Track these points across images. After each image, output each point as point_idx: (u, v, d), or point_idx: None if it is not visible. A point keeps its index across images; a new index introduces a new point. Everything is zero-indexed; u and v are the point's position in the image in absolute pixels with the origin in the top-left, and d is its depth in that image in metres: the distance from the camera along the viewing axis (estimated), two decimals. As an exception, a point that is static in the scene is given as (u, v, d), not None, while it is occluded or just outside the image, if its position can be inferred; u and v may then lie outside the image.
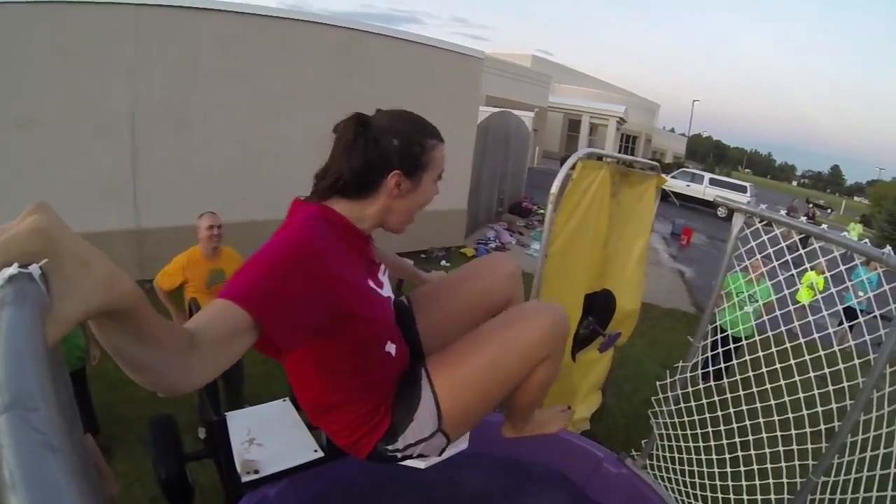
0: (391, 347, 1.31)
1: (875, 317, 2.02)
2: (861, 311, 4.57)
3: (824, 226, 1.98)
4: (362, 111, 1.24)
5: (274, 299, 0.91)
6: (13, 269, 0.48)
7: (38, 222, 0.52)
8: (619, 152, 32.90)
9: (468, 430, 1.46)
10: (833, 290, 2.07)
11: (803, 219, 15.71)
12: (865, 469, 1.84)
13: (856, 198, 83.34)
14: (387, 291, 1.33)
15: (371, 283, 1.23)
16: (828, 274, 2.02)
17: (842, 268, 1.95)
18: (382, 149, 1.16)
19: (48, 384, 0.41)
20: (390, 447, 1.32)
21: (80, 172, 5.49)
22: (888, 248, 1.65)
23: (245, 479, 1.78)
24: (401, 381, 1.35)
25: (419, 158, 1.18)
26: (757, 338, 2.27)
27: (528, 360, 1.33)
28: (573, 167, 2.87)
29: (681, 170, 23.92)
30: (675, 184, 20.47)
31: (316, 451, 2.01)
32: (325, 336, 1.11)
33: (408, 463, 1.44)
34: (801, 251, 2.07)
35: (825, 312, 2.00)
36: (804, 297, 6.88)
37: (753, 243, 2.17)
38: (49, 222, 0.53)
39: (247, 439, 1.98)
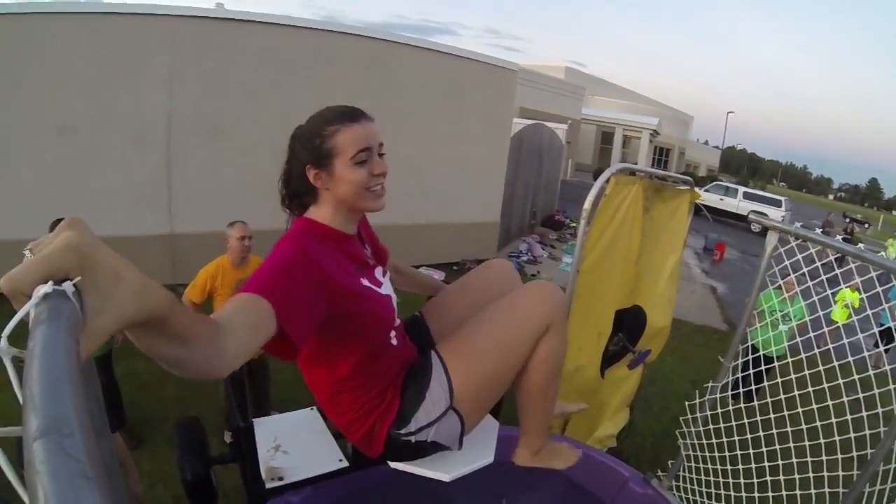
0: (394, 338, 1.41)
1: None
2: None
3: (861, 245, 1.92)
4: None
5: (286, 296, 1.02)
6: (48, 287, 0.49)
7: (71, 238, 0.53)
8: (653, 165, 32.70)
9: (481, 416, 1.50)
10: (869, 311, 2.01)
11: (840, 235, 15.30)
12: (899, 499, 1.78)
13: (894, 212, 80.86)
14: (386, 290, 1.41)
15: (366, 282, 1.32)
16: (864, 294, 1.95)
17: (878, 288, 1.90)
18: (293, 153, 1.29)
19: (84, 409, 0.41)
20: (403, 431, 1.37)
21: (115, 178, 5.65)
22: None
23: (269, 485, 1.79)
24: (410, 365, 1.43)
25: (321, 148, 1.23)
26: (790, 359, 2.21)
27: (528, 328, 1.39)
28: (607, 182, 2.85)
29: (714, 183, 23.56)
30: (708, 197, 20.14)
31: (341, 460, 2.02)
32: (326, 333, 1.21)
33: (431, 474, 1.44)
34: (837, 271, 2.02)
35: (861, 335, 1.95)
36: (839, 316, 6.71)
37: (788, 262, 2.12)
38: (81, 238, 0.54)
39: (273, 446, 1.99)
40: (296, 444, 2.08)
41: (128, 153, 5.71)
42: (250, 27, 6.15)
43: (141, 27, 5.54)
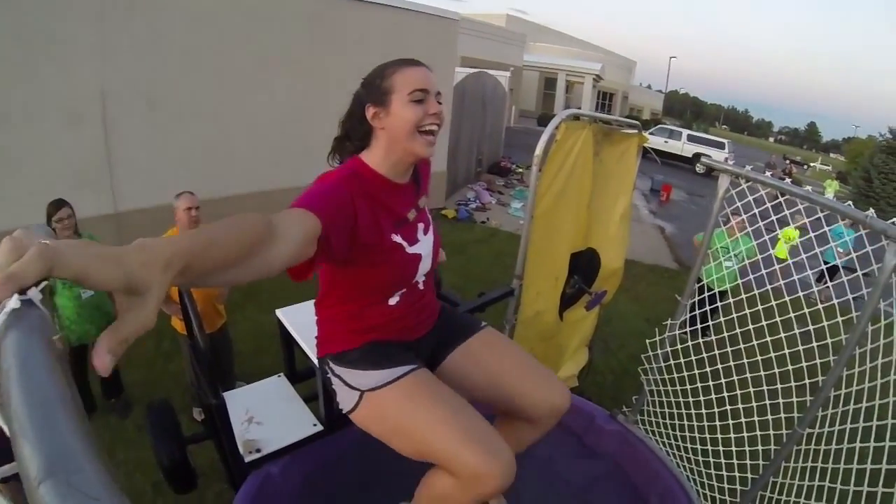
0: (395, 297, 1.43)
1: (854, 272, 2.06)
2: (843, 267, 4.67)
3: (808, 187, 1.99)
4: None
5: (330, 215, 1.11)
6: (14, 302, 0.46)
7: (40, 246, 0.49)
8: (596, 109, 32.91)
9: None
10: (817, 250, 2.11)
11: (784, 177, 15.88)
12: (849, 421, 1.91)
13: (832, 154, 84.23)
14: (419, 248, 1.43)
15: (397, 238, 1.36)
16: (812, 233, 2.04)
17: (825, 228, 1.98)
18: (356, 95, 1.37)
19: (81, 428, 0.37)
20: (331, 367, 1.46)
21: (52, 163, 5.30)
22: (871, 211, 1.69)
23: (248, 458, 1.80)
24: (389, 353, 1.44)
25: (380, 86, 1.31)
26: (744, 295, 2.31)
27: (443, 461, 1.31)
28: (557, 128, 2.85)
29: (658, 126, 23.95)
30: (653, 140, 20.39)
31: (315, 424, 2.03)
32: (341, 265, 1.29)
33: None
34: (787, 212, 2.10)
35: (810, 272, 2.05)
36: (782, 251, 7.04)
37: (739, 203, 2.19)
38: (54, 245, 0.50)
39: (246, 419, 1.99)
40: (268, 413, 2.08)
41: (62, 133, 5.36)
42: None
43: (64, -3, 5.14)
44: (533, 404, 1.53)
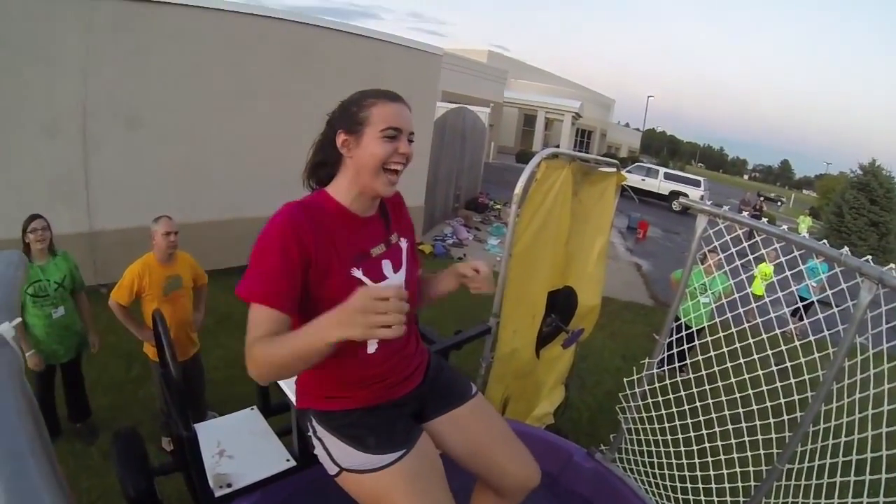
0: (372, 347, 1.37)
1: (829, 306, 2.09)
2: (818, 302, 4.77)
3: (784, 226, 2.03)
4: (316, 109, 1.31)
5: (284, 292, 1.18)
6: None
7: None
8: (575, 147, 33.47)
9: None
10: (793, 287, 2.13)
11: (750, 212, 16.22)
12: (828, 456, 1.92)
13: (804, 191, 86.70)
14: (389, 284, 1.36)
15: (358, 273, 1.30)
16: (788, 272, 2.07)
17: (800, 266, 2.01)
18: (330, 118, 1.36)
19: (55, 483, 0.37)
20: (314, 426, 1.41)
21: (26, 173, 5.22)
22: (845, 249, 1.72)
23: (218, 493, 1.73)
24: (378, 430, 1.37)
25: (355, 115, 1.29)
26: (721, 333, 2.33)
27: None
28: (537, 166, 2.88)
29: (636, 164, 24.39)
30: (630, 178, 20.78)
31: (288, 460, 1.98)
32: (301, 310, 1.24)
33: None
34: (763, 251, 2.13)
35: (786, 310, 2.07)
36: (759, 288, 7.16)
37: (717, 243, 2.22)
38: None
39: (217, 451, 1.93)
40: (240, 447, 2.02)
41: (39, 145, 5.29)
42: (169, 8, 5.76)
43: (52, 6, 5.10)
44: (505, 484, 1.56)
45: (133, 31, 5.62)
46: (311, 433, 1.42)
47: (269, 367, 1.12)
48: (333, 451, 1.36)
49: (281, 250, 1.19)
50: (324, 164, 1.38)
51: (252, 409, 2.30)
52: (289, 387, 1.82)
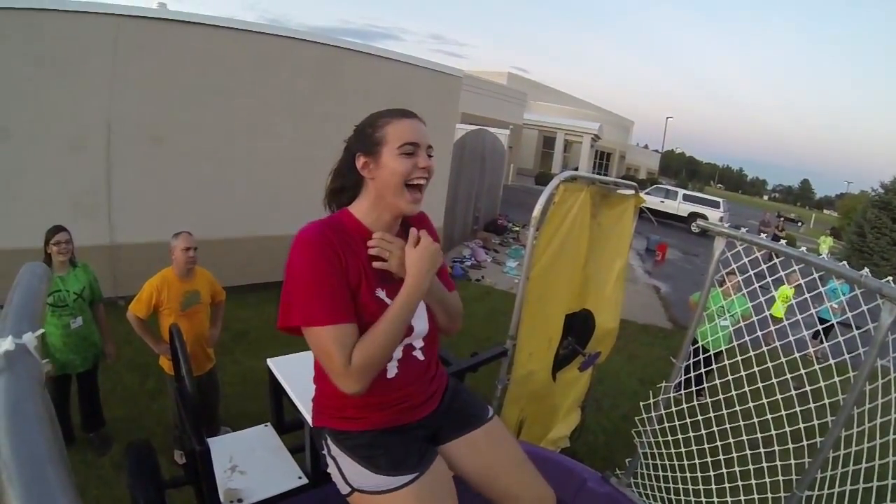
0: (392, 371, 1.37)
1: (849, 327, 2.05)
2: (838, 323, 4.67)
3: (803, 248, 2.00)
4: (338, 129, 1.32)
5: (347, 308, 1.24)
6: (8, 344, 0.45)
7: None
8: (594, 168, 33.44)
9: None
10: (813, 310, 2.10)
11: (769, 233, 16.03)
12: (849, 483, 1.86)
13: (825, 211, 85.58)
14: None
15: (380, 293, 1.32)
16: (807, 294, 2.04)
17: (820, 289, 1.99)
18: (348, 143, 1.38)
19: (72, 492, 0.37)
20: (329, 444, 1.40)
21: (51, 186, 5.36)
22: (866, 270, 1.69)
23: (228, 508, 1.74)
24: (392, 451, 1.36)
25: (371, 136, 1.31)
26: (739, 357, 2.29)
27: None
28: (556, 189, 2.88)
29: (655, 186, 24.27)
30: (649, 200, 20.71)
31: (300, 477, 1.98)
32: None
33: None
34: (782, 273, 2.11)
35: (805, 333, 2.04)
36: (779, 311, 7.04)
37: (735, 265, 2.20)
38: None
39: (229, 467, 1.93)
40: (252, 463, 2.02)
41: (64, 159, 5.42)
42: (193, 29, 5.94)
43: (82, 25, 5.26)
44: (519, 495, 1.54)
45: (158, 50, 5.77)
46: (325, 451, 1.42)
47: (377, 357, 1.23)
48: (347, 471, 1.36)
49: (326, 265, 1.22)
50: (343, 189, 1.39)
51: (266, 425, 2.31)
52: (304, 405, 1.81)
